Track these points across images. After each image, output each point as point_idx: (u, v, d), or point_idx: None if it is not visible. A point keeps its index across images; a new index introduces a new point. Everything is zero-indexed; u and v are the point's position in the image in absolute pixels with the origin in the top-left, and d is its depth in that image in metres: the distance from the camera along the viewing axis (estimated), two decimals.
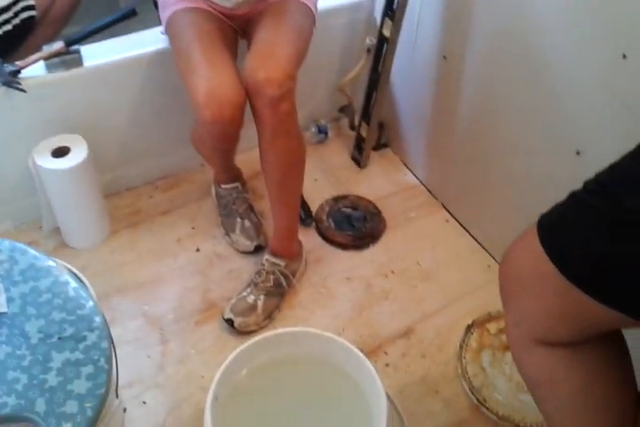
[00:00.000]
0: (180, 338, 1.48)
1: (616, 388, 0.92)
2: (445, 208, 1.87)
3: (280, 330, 1.22)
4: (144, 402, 1.35)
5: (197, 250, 1.70)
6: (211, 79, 1.31)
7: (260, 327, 1.50)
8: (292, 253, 1.59)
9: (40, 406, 0.94)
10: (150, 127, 1.76)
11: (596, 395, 0.91)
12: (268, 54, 1.33)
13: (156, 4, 1.88)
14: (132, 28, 1.71)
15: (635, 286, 0.75)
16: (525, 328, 0.92)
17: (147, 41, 1.64)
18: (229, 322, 1.48)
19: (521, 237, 0.90)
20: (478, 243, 1.77)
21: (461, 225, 1.82)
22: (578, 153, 1.32)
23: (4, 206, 1.67)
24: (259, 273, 1.56)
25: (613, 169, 0.79)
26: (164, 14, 1.54)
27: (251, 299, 1.51)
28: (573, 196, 0.83)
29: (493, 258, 1.72)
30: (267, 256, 1.57)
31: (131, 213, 1.78)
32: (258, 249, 1.68)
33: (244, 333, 1.48)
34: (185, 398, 1.36)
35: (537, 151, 1.45)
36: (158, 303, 1.56)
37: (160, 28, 1.62)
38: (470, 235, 1.79)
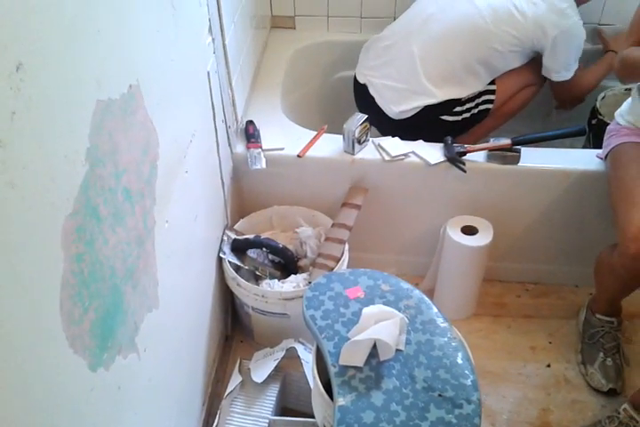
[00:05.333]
0: None
1: None
2: None
3: None
4: None
5: (548, 366, 1.65)
6: None
7: None
8: None
9: None
10: (551, 235, 1.80)
11: None
12: None
13: (590, 127, 1.96)
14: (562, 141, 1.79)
15: None
16: None
17: (579, 159, 1.69)
18: None
19: None
20: None
21: None
22: None
23: (400, 256, 1.86)
24: (611, 419, 1.44)
25: None
26: (611, 141, 1.58)
27: None
28: None
29: None
30: (626, 406, 1.45)
31: (496, 304, 1.83)
32: (611, 392, 1.56)
33: None
34: None
35: None
36: (496, 399, 1.55)
37: (597, 151, 1.67)
38: None
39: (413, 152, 1.68)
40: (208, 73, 1.36)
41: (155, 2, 1.02)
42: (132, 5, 0.92)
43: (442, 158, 1.66)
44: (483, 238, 1.65)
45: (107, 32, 0.83)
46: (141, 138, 0.97)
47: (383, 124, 1.84)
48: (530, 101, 1.93)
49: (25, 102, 0.64)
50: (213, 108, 1.41)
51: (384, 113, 1.83)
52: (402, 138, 1.72)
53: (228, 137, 1.57)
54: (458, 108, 1.81)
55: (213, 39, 1.39)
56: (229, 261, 1.51)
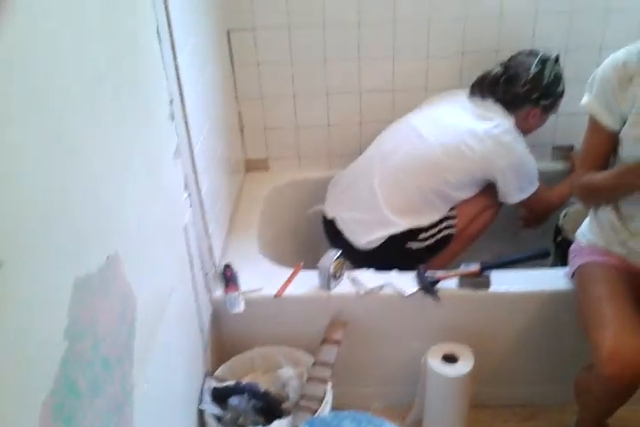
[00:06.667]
0: None
1: None
2: None
3: None
4: None
5: None
6: (618, 338, 1.36)
7: None
8: None
9: None
10: (531, 356, 1.82)
11: None
12: None
13: (555, 245, 2.04)
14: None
15: None
16: None
17: (548, 279, 1.75)
18: None
19: None
20: None
21: None
22: None
23: (385, 387, 1.85)
24: None
25: None
26: (575, 261, 1.64)
27: None
28: None
29: None
30: None
31: None
32: None
33: None
34: None
35: None
36: None
37: (565, 269, 1.73)
38: None
39: (388, 283, 1.73)
40: (185, 226, 1.44)
41: (131, 173, 1.10)
42: (105, 180, 0.98)
43: (416, 288, 1.71)
44: (464, 366, 1.65)
45: (81, 210, 0.89)
46: (119, 303, 1.01)
47: (353, 255, 1.92)
48: (491, 223, 2.04)
49: (6, 296, 0.69)
50: (191, 259, 1.47)
51: (352, 245, 1.92)
52: (373, 267, 1.79)
53: (206, 283, 1.62)
54: (422, 236, 1.91)
55: (189, 194, 1.49)
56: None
